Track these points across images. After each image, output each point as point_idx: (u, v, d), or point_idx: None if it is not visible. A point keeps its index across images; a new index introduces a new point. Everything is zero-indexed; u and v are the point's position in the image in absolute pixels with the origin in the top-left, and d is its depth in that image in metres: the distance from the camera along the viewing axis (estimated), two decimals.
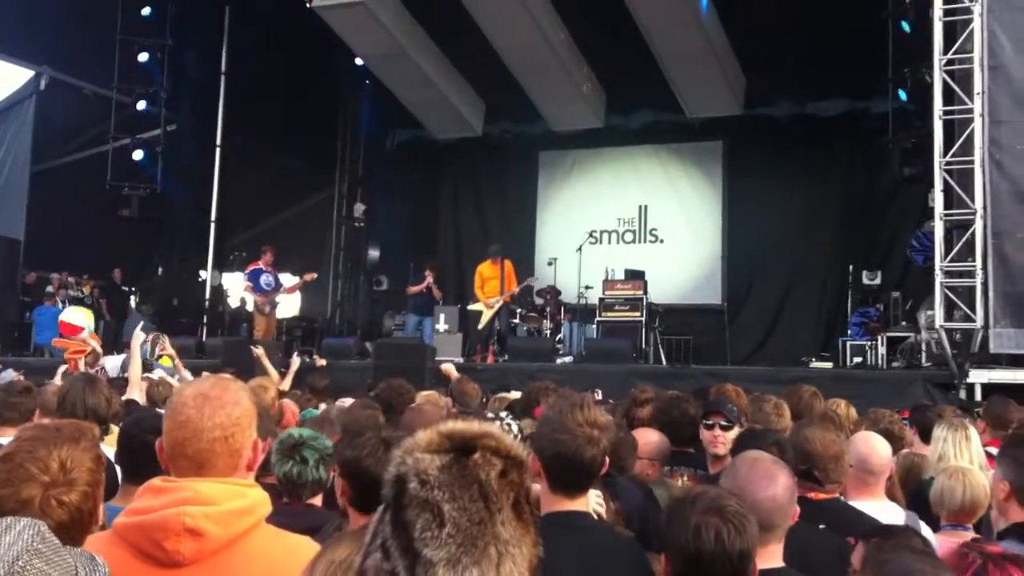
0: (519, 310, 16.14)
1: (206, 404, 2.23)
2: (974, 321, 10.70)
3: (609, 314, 15.28)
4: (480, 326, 15.31)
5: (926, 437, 5.61)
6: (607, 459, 2.97)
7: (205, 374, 2.56)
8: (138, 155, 17.01)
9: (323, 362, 12.11)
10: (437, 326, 15.71)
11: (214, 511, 2.14)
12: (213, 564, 2.14)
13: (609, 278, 16.04)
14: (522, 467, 1.39)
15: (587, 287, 16.16)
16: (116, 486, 3.27)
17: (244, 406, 2.29)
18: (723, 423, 4.74)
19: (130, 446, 3.27)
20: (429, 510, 1.31)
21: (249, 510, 2.23)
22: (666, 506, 2.66)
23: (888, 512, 3.51)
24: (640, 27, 15.28)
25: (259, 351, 10.50)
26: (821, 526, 3.30)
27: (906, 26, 13.27)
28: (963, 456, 4.51)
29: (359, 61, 18.40)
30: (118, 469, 3.37)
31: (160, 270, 18.51)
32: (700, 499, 2.48)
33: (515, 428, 4.29)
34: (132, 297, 18.35)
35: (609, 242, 19.12)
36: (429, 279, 16.19)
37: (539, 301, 16.54)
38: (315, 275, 15.71)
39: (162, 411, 2.46)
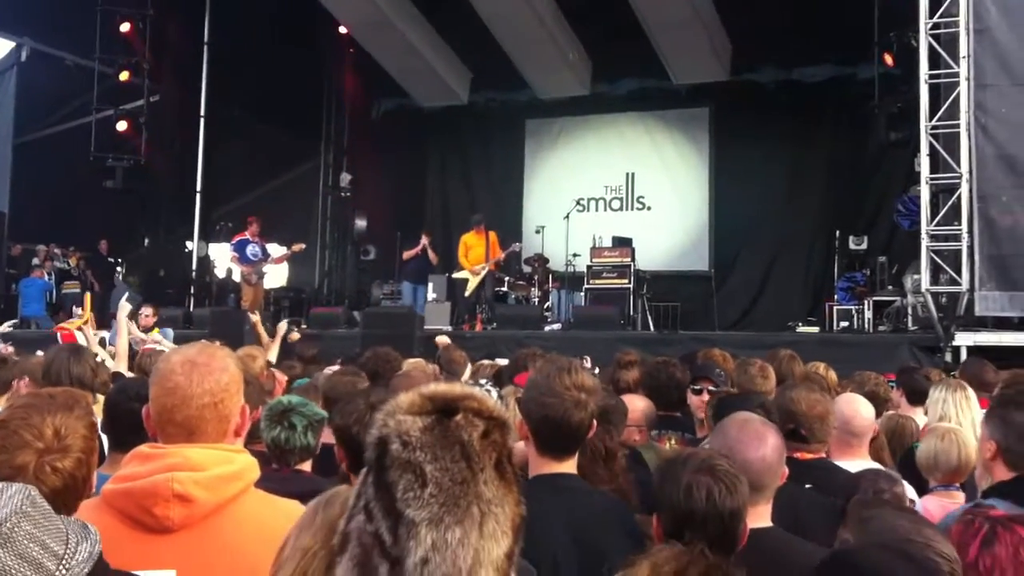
0: (507, 278, 16.14)
1: (194, 370, 2.23)
2: (960, 285, 10.74)
3: (597, 281, 15.31)
4: (467, 293, 15.31)
5: (913, 399, 5.67)
6: (595, 422, 2.98)
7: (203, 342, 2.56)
8: (122, 126, 16.89)
9: (296, 336, 11.96)
10: (428, 295, 15.72)
11: (203, 476, 2.15)
12: (202, 529, 2.15)
13: (597, 246, 16.07)
14: (504, 428, 1.39)
15: (575, 255, 16.17)
16: (103, 455, 3.27)
17: (232, 372, 2.30)
18: (711, 388, 4.79)
19: (116, 414, 3.26)
20: (411, 471, 1.31)
21: (238, 475, 2.23)
22: (658, 466, 2.68)
23: None
24: None
25: (255, 318, 10.48)
26: (807, 485, 3.33)
27: None
28: (965, 415, 4.54)
29: (343, 30, 18.28)
30: (104, 438, 3.37)
31: (146, 241, 18.43)
32: (692, 459, 2.50)
33: (495, 394, 4.30)
34: (118, 268, 18.26)
35: (596, 210, 19.13)
36: (424, 241, 16.12)
37: (527, 269, 16.54)
38: (303, 246, 15.64)
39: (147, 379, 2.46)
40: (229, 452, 2.25)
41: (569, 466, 2.94)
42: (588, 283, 15.41)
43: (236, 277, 16.12)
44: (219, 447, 2.24)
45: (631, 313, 14.91)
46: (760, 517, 2.71)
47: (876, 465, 3.91)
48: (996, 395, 3.74)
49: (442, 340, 8.58)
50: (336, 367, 6.55)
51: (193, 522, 2.13)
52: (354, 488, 1.38)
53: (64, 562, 1.54)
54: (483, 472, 1.33)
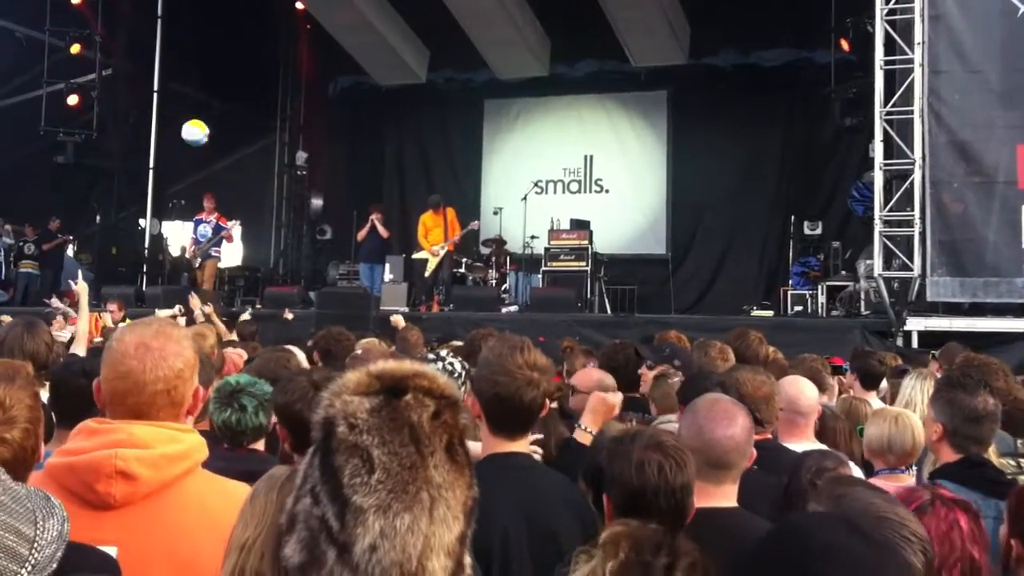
0: (465, 260, 16.09)
1: (148, 355, 2.18)
2: (911, 270, 10.87)
3: (554, 264, 15.30)
4: (426, 274, 15.26)
5: (867, 383, 5.74)
6: (547, 402, 2.97)
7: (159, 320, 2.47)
8: (73, 100, 16.57)
9: (290, 316, 11.89)
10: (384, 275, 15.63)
11: (147, 454, 2.12)
12: (145, 507, 2.12)
13: (554, 228, 16.02)
14: (456, 407, 1.35)
15: (533, 237, 16.16)
16: (52, 431, 3.22)
17: (187, 356, 2.24)
18: (648, 364, 4.90)
19: (62, 390, 3.21)
20: (358, 455, 1.27)
21: (184, 455, 2.20)
22: (606, 446, 2.69)
23: None
24: None
25: (208, 309, 10.36)
26: (753, 466, 3.36)
27: None
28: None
29: (300, 5, 18.07)
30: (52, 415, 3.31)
31: (98, 218, 18.11)
32: (639, 437, 2.55)
33: (458, 367, 4.27)
34: (70, 246, 17.96)
35: (555, 192, 19.09)
36: (373, 218, 15.95)
37: (485, 251, 16.49)
38: (237, 221, 15.57)
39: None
40: (176, 431, 2.22)
41: (521, 445, 2.93)
42: (545, 265, 15.39)
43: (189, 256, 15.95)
44: (167, 425, 2.20)
45: (588, 296, 14.93)
46: (725, 496, 2.73)
47: (821, 446, 3.94)
48: (942, 377, 3.78)
49: (397, 320, 8.52)
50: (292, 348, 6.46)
51: (136, 500, 2.11)
52: (300, 468, 1.35)
53: (36, 544, 1.51)
54: (433, 456, 1.30)
